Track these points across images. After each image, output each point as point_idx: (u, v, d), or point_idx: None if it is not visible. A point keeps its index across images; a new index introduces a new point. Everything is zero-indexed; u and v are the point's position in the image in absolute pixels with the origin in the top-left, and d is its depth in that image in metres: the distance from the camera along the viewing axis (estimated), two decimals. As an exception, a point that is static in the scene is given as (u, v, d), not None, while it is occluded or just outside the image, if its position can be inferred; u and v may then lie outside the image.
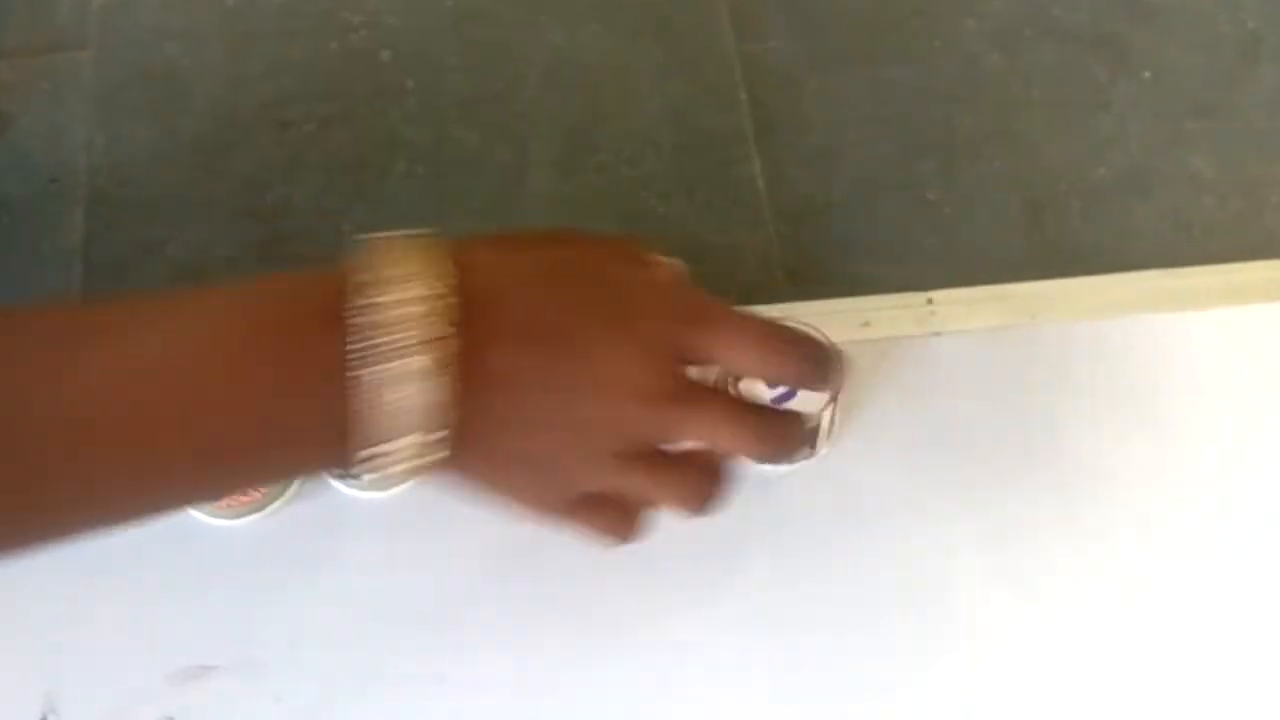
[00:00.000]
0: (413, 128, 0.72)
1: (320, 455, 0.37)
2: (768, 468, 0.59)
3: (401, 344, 0.33)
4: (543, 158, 0.71)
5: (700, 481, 0.42)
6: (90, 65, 0.74)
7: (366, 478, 0.38)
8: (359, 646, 0.54)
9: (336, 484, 0.58)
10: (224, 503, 0.55)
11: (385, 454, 0.36)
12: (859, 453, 0.60)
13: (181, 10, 0.76)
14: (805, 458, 0.58)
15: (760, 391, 0.55)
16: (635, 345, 0.38)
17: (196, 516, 0.56)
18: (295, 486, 0.57)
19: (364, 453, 0.35)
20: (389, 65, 0.74)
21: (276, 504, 0.57)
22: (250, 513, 0.57)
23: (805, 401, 0.55)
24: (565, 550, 0.59)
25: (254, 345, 0.35)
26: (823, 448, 0.59)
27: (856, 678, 0.55)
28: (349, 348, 0.33)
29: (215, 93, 0.72)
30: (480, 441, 0.37)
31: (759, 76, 0.74)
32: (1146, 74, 0.74)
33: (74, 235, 0.67)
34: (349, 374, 0.33)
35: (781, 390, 0.56)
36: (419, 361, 0.34)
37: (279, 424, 0.36)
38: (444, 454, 0.36)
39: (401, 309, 0.33)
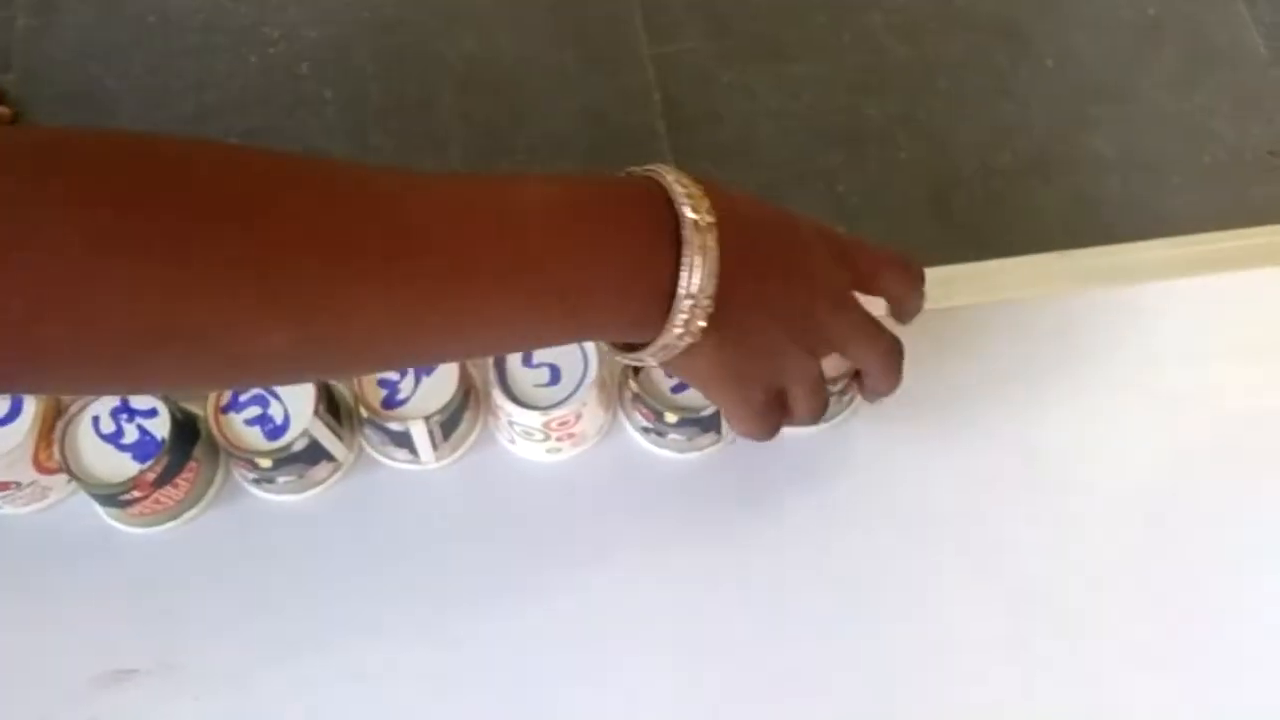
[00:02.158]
0: (332, 137, 0.72)
1: (629, 315, 0.45)
2: (683, 457, 0.60)
3: (694, 232, 0.43)
4: (461, 161, 0.72)
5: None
6: (14, 87, 0.74)
7: (624, 354, 0.49)
8: (276, 648, 0.55)
9: (252, 490, 0.59)
10: (137, 510, 0.55)
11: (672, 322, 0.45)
12: (775, 441, 0.61)
13: (103, 30, 0.76)
14: (714, 444, 0.60)
15: (659, 381, 0.56)
16: (836, 256, 0.50)
17: (113, 525, 0.57)
18: (212, 494, 0.58)
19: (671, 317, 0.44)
20: (308, 77, 0.74)
21: (192, 511, 0.58)
22: (165, 521, 0.58)
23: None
24: (497, 543, 0.60)
25: (604, 216, 0.44)
26: (731, 432, 0.60)
27: (838, 668, 0.56)
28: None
29: (137, 109, 0.73)
30: (729, 316, 0.45)
31: (671, 76, 0.74)
32: (1049, 61, 0.76)
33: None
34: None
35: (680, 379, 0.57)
36: (705, 243, 0.43)
37: (617, 279, 0.44)
38: (704, 323, 0.45)
39: (691, 210, 0.43)
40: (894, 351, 0.54)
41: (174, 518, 0.58)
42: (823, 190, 0.71)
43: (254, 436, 0.55)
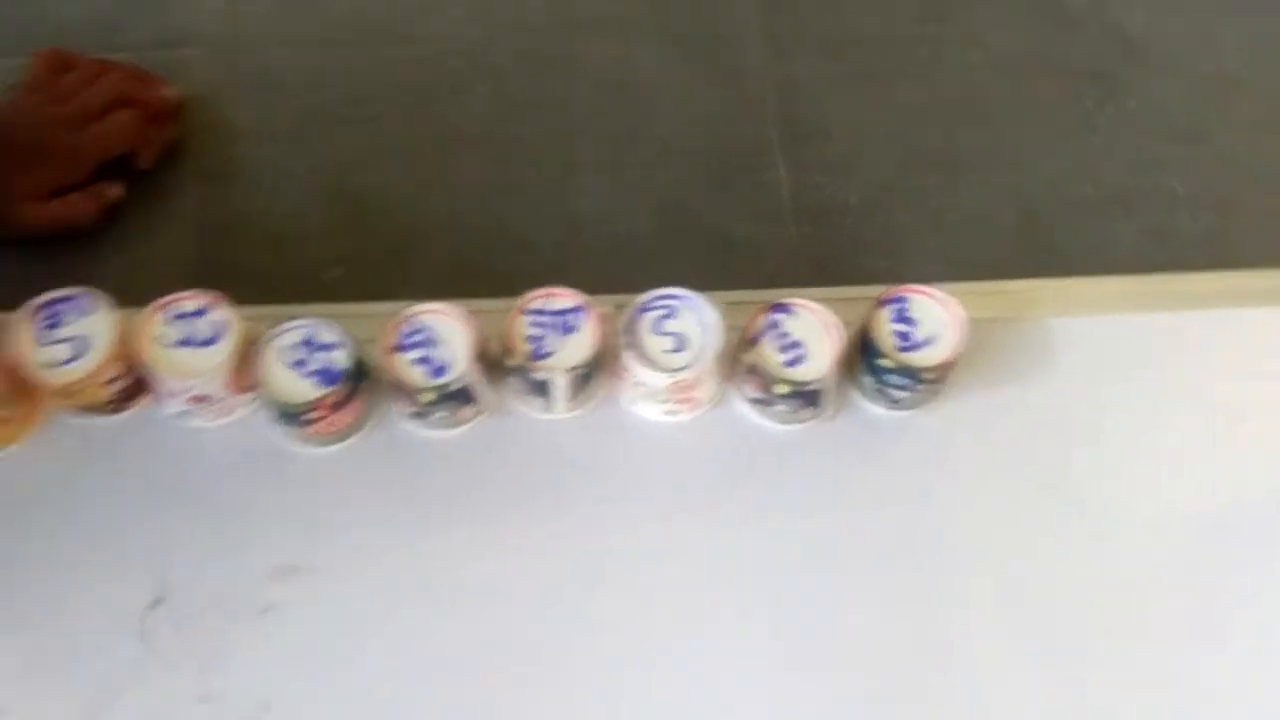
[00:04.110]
0: (479, 125, 0.80)
1: None
2: (786, 428, 0.66)
3: None
4: (590, 156, 0.79)
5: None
6: (199, 61, 0.83)
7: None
8: (418, 558, 0.63)
9: (407, 423, 0.66)
10: (312, 430, 0.63)
11: None
12: (863, 420, 0.67)
13: (282, 18, 0.85)
14: (814, 417, 0.66)
15: (772, 356, 0.63)
16: (58, 99, 0.77)
17: (287, 442, 0.65)
18: (373, 422, 0.66)
19: None
20: (461, 71, 0.82)
21: (355, 437, 0.66)
22: (333, 442, 0.65)
23: (813, 364, 0.63)
24: (610, 490, 0.66)
25: None
26: (829, 409, 0.66)
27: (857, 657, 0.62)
28: None
29: (309, 89, 0.81)
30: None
31: (787, 93, 0.81)
32: (1132, 104, 0.81)
33: (188, 202, 0.76)
34: None
35: (791, 355, 0.63)
36: None
37: None
38: None
39: None
40: (146, 120, 0.77)
41: (340, 440, 0.65)
42: (919, 206, 0.77)
43: (419, 374, 0.62)
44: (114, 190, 0.75)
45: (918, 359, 0.63)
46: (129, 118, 0.76)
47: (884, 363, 0.63)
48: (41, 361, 0.61)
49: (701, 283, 0.69)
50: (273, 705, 0.58)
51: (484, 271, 0.74)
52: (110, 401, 0.64)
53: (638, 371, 0.63)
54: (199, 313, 0.62)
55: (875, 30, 0.86)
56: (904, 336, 0.64)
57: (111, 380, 0.62)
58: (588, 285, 0.68)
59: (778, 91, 0.82)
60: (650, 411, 0.67)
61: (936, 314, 0.64)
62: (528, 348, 0.63)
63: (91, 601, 0.60)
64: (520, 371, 0.63)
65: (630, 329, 0.64)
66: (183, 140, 0.79)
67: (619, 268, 0.75)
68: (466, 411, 0.65)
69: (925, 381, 0.64)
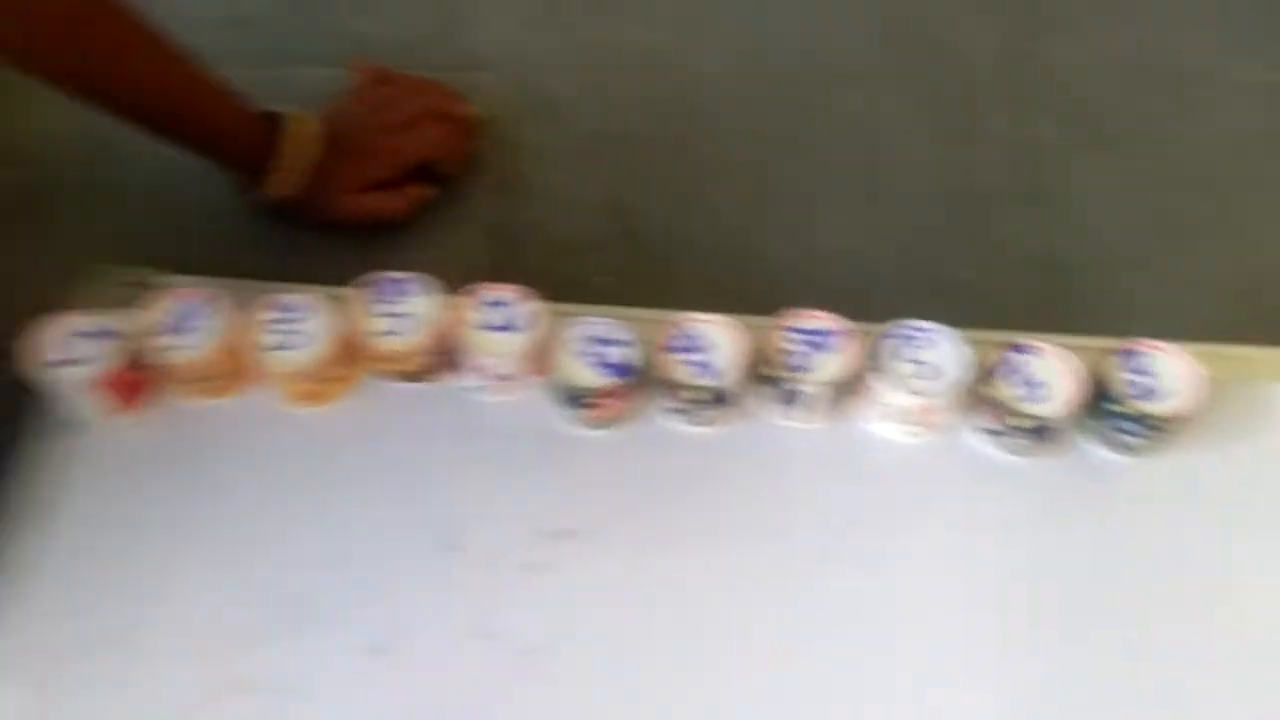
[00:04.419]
0: (736, 158, 0.88)
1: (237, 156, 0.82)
2: (1013, 459, 0.71)
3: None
4: (835, 196, 0.86)
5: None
6: (491, 84, 0.93)
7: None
8: (677, 535, 0.70)
9: (666, 417, 0.73)
10: (590, 414, 0.71)
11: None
12: (1088, 461, 0.72)
13: (568, 49, 0.95)
14: (1044, 453, 0.71)
15: (1012, 391, 0.68)
16: (374, 109, 0.88)
17: (560, 422, 0.73)
18: (637, 413, 0.73)
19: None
20: (724, 107, 0.90)
21: (622, 424, 0.73)
22: (602, 426, 0.73)
23: (1053, 402, 0.68)
24: (842, 499, 0.72)
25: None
26: (1059, 445, 0.71)
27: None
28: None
29: (589, 115, 0.90)
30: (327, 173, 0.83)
31: (1026, 155, 0.87)
32: (1364, 190, 0.85)
33: (479, 210, 0.86)
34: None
35: (1031, 392, 0.68)
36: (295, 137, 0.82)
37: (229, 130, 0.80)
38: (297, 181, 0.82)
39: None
40: (452, 133, 0.88)
41: (611, 425, 0.73)
42: (1144, 269, 0.81)
43: (688, 374, 0.69)
44: (423, 192, 0.86)
45: (1155, 409, 0.67)
46: (438, 129, 0.86)
47: (1119, 409, 0.68)
48: (372, 331, 0.71)
49: (932, 321, 0.75)
50: (543, 649, 0.66)
51: (734, 291, 0.81)
52: (418, 371, 0.73)
53: (884, 392, 0.70)
54: (508, 303, 0.71)
55: (1113, 101, 0.91)
56: (1138, 386, 0.68)
57: (425, 353, 0.72)
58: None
59: (1016, 153, 0.87)
60: (888, 431, 0.73)
61: (1171, 368, 0.69)
62: (786, 360, 0.70)
63: (396, 538, 0.69)
64: (776, 381, 0.70)
65: (879, 353, 0.70)
66: (477, 155, 0.89)
67: (857, 299, 0.81)
68: (723, 412, 0.72)
69: (1156, 430, 0.69)
